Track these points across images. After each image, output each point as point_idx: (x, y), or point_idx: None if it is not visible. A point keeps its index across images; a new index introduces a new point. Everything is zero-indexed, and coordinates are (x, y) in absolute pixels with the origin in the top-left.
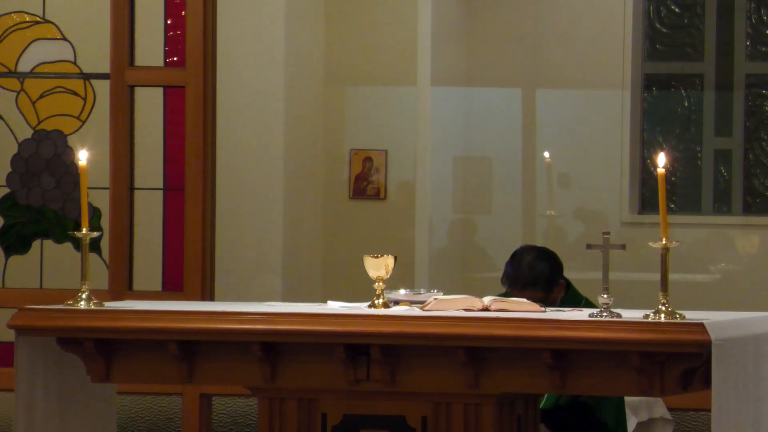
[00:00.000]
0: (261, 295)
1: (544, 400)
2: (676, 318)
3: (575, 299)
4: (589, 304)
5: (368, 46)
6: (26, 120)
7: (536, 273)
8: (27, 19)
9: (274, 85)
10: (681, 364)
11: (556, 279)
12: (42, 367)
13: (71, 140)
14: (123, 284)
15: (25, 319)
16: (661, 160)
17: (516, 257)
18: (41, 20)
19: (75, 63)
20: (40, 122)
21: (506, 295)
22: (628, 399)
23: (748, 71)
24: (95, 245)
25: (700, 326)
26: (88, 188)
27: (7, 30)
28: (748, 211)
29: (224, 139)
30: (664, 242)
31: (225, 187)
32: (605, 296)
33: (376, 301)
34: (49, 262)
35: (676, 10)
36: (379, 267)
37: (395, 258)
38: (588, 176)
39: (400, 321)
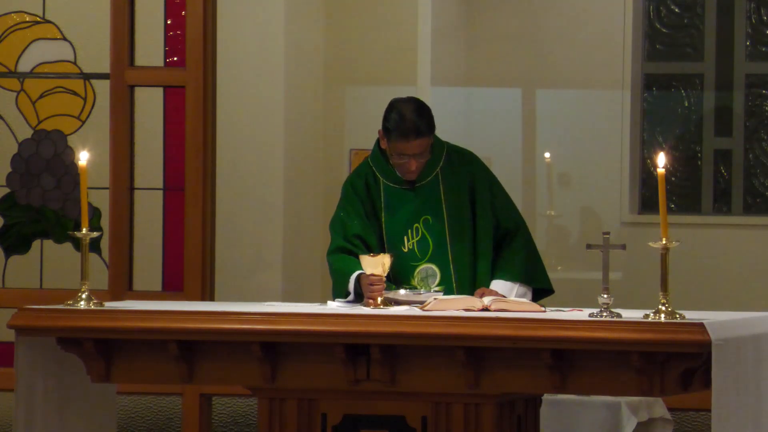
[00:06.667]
0: (261, 295)
1: None
2: (676, 318)
3: (440, 146)
4: (453, 149)
5: (368, 46)
6: (26, 120)
7: (423, 120)
8: (27, 19)
9: (274, 85)
10: (681, 364)
11: (434, 122)
12: (42, 367)
13: (71, 140)
14: (123, 284)
15: (25, 319)
16: (661, 160)
17: (397, 110)
18: (41, 20)
19: (75, 63)
20: (40, 122)
21: (379, 155)
22: (628, 399)
23: (748, 71)
24: (95, 245)
25: (700, 326)
26: (88, 188)
27: (7, 30)
28: (748, 211)
29: (224, 139)
30: (664, 242)
31: (225, 187)
32: (605, 296)
33: (375, 300)
34: (49, 262)
35: (676, 10)
36: (376, 265)
37: (391, 256)
38: (588, 176)
39: (400, 321)
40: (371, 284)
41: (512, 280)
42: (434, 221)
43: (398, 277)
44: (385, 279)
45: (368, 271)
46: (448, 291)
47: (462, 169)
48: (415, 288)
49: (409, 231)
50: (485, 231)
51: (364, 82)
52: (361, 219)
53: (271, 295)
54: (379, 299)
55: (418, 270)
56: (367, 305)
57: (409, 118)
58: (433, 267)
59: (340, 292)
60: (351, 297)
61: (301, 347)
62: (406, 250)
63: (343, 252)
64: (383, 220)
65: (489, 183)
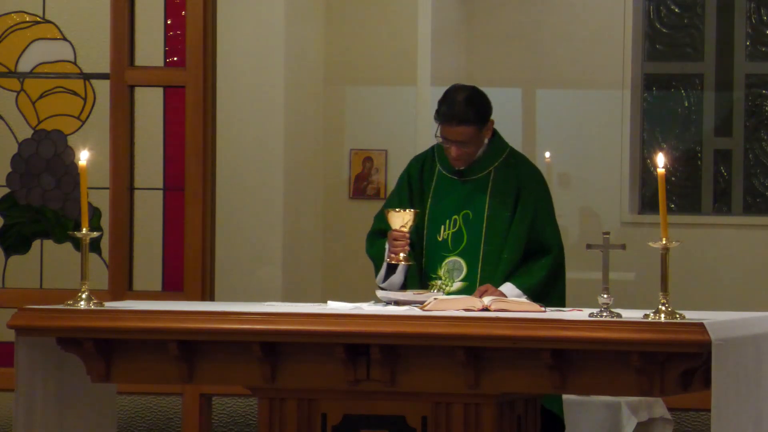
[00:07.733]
0: (261, 295)
1: None
2: (676, 318)
3: (501, 145)
4: (514, 153)
5: (368, 46)
6: (26, 120)
7: (471, 109)
8: (27, 19)
9: (274, 85)
10: (681, 364)
11: (488, 115)
12: (42, 367)
13: (71, 140)
14: (123, 284)
15: (25, 319)
16: (661, 160)
17: (449, 95)
18: (41, 20)
19: (75, 63)
20: (40, 122)
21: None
22: (628, 399)
23: (748, 71)
24: (95, 245)
25: (700, 326)
26: (88, 188)
27: (7, 30)
28: (748, 211)
29: (224, 139)
30: (664, 242)
31: (225, 187)
32: (605, 296)
33: (397, 255)
34: (49, 262)
35: (676, 10)
36: (400, 220)
37: (414, 213)
38: (588, 176)
39: (400, 321)
40: (394, 239)
41: (522, 289)
42: (474, 217)
43: (427, 264)
44: (408, 236)
45: (394, 227)
46: (470, 288)
47: (515, 172)
48: (439, 278)
49: (447, 221)
50: (517, 240)
51: (364, 82)
52: (405, 205)
53: (271, 294)
54: (402, 255)
55: (446, 261)
56: (390, 261)
57: (457, 105)
58: (461, 261)
59: (379, 268)
60: (383, 275)
61: (301, 347)
62: (440, 239)
63: (383, 235)
64: (428, 204)
65: (536, 196)
